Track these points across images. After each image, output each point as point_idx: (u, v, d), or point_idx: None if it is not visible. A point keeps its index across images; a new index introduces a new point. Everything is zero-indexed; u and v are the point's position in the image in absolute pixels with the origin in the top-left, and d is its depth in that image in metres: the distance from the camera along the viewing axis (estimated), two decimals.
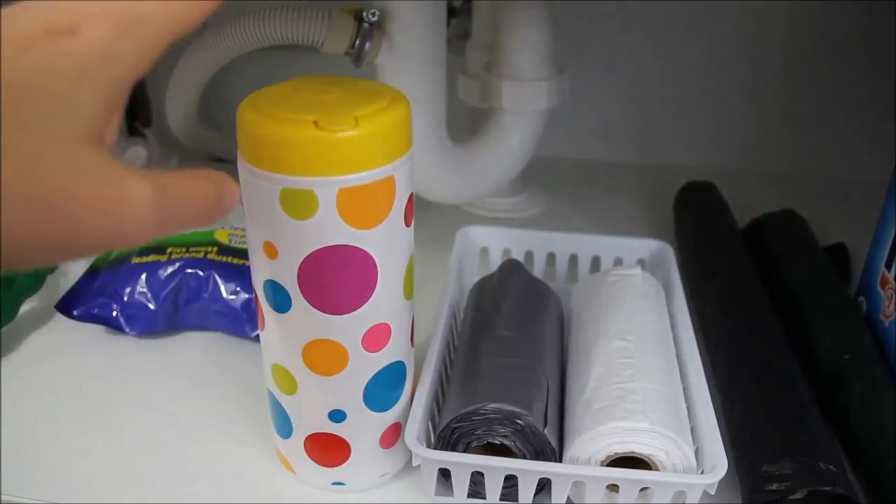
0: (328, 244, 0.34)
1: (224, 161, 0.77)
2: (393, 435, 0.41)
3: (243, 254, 0.54)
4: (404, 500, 0.42)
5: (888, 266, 0.50)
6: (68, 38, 0.21)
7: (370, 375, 0.38)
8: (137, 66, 0.23)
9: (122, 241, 0.23)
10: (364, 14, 0.53)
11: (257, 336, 0.52)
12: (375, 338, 0.37)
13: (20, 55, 0.21)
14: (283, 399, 0.39)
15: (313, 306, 0.35)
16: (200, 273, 0.53)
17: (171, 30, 0.24)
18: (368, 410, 0.39)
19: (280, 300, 0.36)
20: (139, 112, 0.80)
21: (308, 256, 0.34)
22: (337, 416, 0.39)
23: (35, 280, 0.54)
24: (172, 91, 0.67)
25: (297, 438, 0.40)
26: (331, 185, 0.32)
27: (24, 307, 0.54)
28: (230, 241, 0.55)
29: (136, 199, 0.22)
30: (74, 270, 0.57)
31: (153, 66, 0.25)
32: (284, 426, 0.40)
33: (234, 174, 0.35)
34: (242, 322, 0.52)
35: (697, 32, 0.76)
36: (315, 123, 0.31)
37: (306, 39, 0.55)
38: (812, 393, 0.44)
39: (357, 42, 0.53)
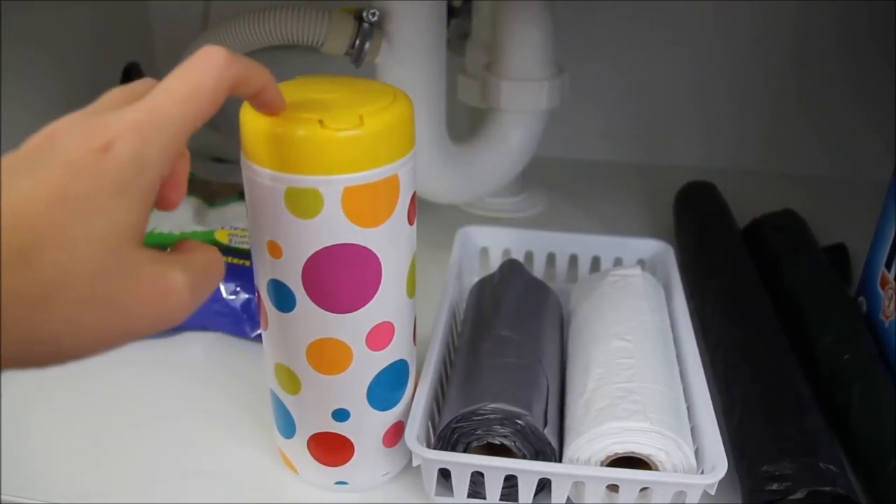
0: (333, 243, 0.34)
1: (224, 161, 0.77)
2: (395, 434, 0.41)
3: (243, 254, 0.54)
4: (404, 500, 0.42)
5: (888, 266, 0.50)
6: (104, 155, 0.24)
7: (374, 374, 0.38)
8: (163, 167, 0.26)
9: (165, 326, 0.26)
10: (364, 14, 0.53)
11: (258, 336, 0.52)
12: (379, 336, 0.37)
13: (73, 177, 0.23)
14: (287, 399, 0.39)
15: (318, 305, 0.35)
16: None
17: (186, 128, 0.26)
18: (372, 409, 0.39)
19: (284, 299, 0.36)
20: None
21: (313, 255, 0.34)
22: (340, 415, 0.39)
23: None
24: None
25: (301, 438, 0.40)
26: (336, 183, 0.32)
27: None
28: (230, 241, 0.55)
29: (176, 288, 0.25)
30: None
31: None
32: (287, 426, 0.40)
33: (235, 174, 0.35)
34: (242, 322, 0.52)
35: (699, 33, 0.76)
36: (320, 122, 0.31)
37: (306, 39, 0.55)
38: (812, 393, 0.44)
39: (357, 42, 0.53)
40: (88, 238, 0.23)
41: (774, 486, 0.38)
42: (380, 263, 0.35)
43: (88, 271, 0.23)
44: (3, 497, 0.41)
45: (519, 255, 0.57)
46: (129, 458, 0.44)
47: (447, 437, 0.39)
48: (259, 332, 0.50)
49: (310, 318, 0.36)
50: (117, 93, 0.27)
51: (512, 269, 0.51)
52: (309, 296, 0.35)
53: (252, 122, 0.33)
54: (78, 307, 0.23)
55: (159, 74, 0.27)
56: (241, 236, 0.56)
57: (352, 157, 0.32)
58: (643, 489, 0.38)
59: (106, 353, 0.25)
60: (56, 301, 0.23)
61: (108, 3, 0.73)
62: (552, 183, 0.76)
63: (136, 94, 0.27)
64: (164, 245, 0.54)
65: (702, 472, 0.38)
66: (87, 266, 0.23)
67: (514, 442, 0.38)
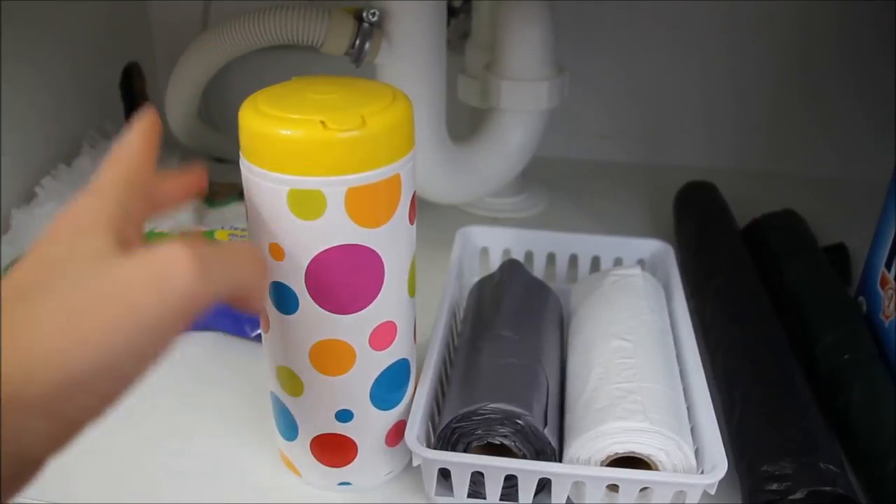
0: (336, 244, 0.34)
1: (224, 161, 0.77)
2: (398, 433, 0.41)
3: None
4: (404, 500, 0.42)
5: (888, 266, 0.50)
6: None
7: (377, 374, 0.38)
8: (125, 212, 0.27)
9: (173, 294, 0.25)
10: (364, 14, 0.53)
11: (258, 336, 0.52)
12: (382, 336, 0.37)
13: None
14: (289, 401, 0.39)
15: (321, 307, 0.35)
16: None
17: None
18: (375, 409, 0.39)
19: (286, 302, 0.36)
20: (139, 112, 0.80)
21: (316, 257, 0.34)
22: (344, 415, 0.39)
23: None
24: (172, 91, 0.67)
25: (303, 440, 0.40)
26: (339, 184, 0.32)
27: None
28: (230, 241, 0.55)
29: (172, 249, 0.25)
30: None
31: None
32: (289, 428, 0.40)
33: (235, 174, 0.35)
34: (242, 322, 0.52)
35: (700, 33, 0.76)
36: (322, 123, 0.31)
37: (306, 39, 0.55)
38: (812, 393, 0.44)
39: (357, 42, 0.53)
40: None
41: (774, 486, 0.38)
42: (382, 264, 0.35)
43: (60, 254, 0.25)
44: None
45: (519, 255, 0.57)
46: (128, 459, 0.44)
47: (447, 437, 0.39)
48: (259, 331, 0.50)
49: (313, 320, 0.36)
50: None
51: (512, 269, 0.51)
52: (312, 297, 0.35)
53: (252, 124, 0.33)
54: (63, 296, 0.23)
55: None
56: (241, 236, 0.56)
57: (355, 158, 0.32)
58: (643, 489, 0.38)
59: (128, 349, 0.24)
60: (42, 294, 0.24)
61: (108, 3, 0.73)
62: (552, 183, 0.76)
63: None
64: None
65: (702, 472, 0.38)
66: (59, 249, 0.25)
67: (514, 442, 0.38)
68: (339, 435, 0.39)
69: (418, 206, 0.38)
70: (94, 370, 0.23)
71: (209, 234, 0.56)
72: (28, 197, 0.62)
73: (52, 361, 0.22)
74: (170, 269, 0.24)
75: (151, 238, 0.55)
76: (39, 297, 0.24)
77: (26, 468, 0.23)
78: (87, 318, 0.23)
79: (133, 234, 0.27)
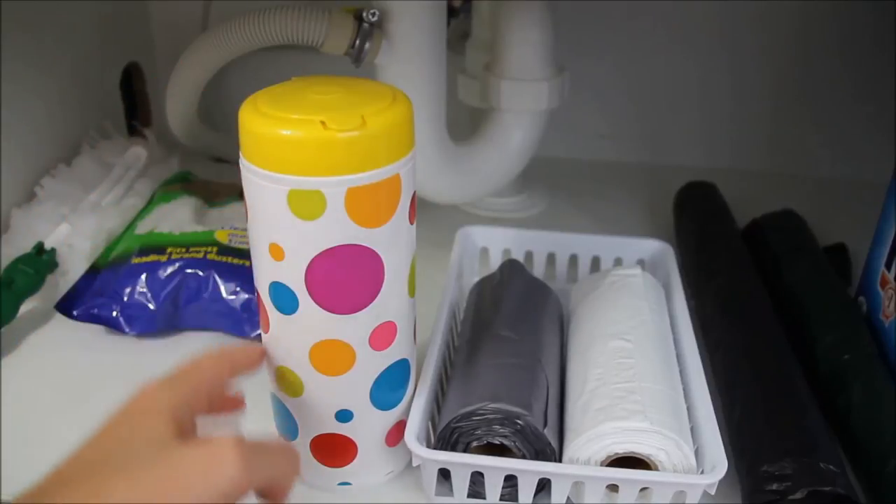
0: (336, 244, 0.34)
1: (224, 161, 0.77)
2: (398, 433, 0.41)
3: (243, 254, 0.54)
4: (404, 500, 0.42)
5: (888, 266, 0.50)
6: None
7: (377, 374, 0.38)
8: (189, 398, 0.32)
9: (219, 484, 0.27)
10: (364, 14, 0.53)
11: (257, 336, 0.52)
12: (382, 336, 0.37)
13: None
14: (289, 401, 0.39)
15: (321, 307, 0.35)
16: (200, 273, 0.52)
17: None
18: (375, 409, 0.39)
19: (286, 302, 0.36)
20: (139, 112, 0.80)
21: (316, 257, 0.34)
22: (344, 416, 0.39)
23: (35, 280, 0.54)
24: (172, 91, 0.67)
25: (303, 440, 0.40)
26: (339, 184, 0.32)
27: (24, 307, 0.54)
28: (230, 241, 0.55)
29: (221, 443, 0.28)
30: (74, 270, 0.56)
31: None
32: (289, 428, 0.40)
33: (235, 174, 0.35)
34: (242, 322, 0.52)
35: (700, 33, 0.76)
36: (322, 123, 0.31)
37: (306, 39, 0.54)
38: (812, 393, 0.44)
39: (357, 42, 0.53)
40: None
41: (774, 486, 0.38)
42: (382, 264, 0.35)
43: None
44: (3, 497, 0.41)
45: (519, 255, 0.57)
46: None
47: (447, 437, 0.39)
48: (258, 332, 0.50)
49: (313, 320, 0.36)
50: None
51: (512, 269, 0.51)
52: (312, 297, 0.35)
53: (252, 124, 0.33)
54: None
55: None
56: (240, 236, 0.56)
57: (355, 158, 0.32)
58: (643, 489, 0.38)
59: None
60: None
61: (108, 3, 0.73)
62: (552, 183, 0.76)
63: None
64: (163, 245, 0.54)
65: (702, 472, 0.38)
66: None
67: (514, 442, 0.38)
68: (339, 435, 0.39)
69: (418, 206, 0.38)
70: None
71: (209, 234, 0.55)
72: (28, 196, 0.62)
73: None
74: (220, 460, 0.28)
75: (150, 239, 0.55)
76: (110, 473, 0.27)
77: None
78: (151, 497, 0.26)
79: (190, 425, 0.31)
